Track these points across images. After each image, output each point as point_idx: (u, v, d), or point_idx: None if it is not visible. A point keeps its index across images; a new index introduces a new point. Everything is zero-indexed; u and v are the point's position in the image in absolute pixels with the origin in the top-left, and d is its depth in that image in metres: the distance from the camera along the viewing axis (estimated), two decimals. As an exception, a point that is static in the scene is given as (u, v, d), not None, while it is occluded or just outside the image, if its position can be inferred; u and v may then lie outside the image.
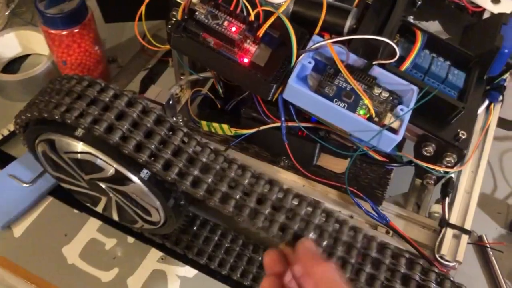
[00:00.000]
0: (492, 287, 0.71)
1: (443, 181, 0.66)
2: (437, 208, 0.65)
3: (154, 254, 0.75)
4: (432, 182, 0.65)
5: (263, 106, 0.63)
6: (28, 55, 0.97)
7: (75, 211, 0.79)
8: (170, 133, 0.56)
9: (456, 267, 0.60)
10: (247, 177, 0.56)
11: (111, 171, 0.57)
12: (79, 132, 0.55)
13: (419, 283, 0.54)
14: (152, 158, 0.54)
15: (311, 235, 0.54)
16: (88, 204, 0.72)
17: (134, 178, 0.57)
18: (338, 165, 0.68)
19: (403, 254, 0.56)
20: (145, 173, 0.56)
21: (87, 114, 0.53)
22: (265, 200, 0.56)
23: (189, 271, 0.74)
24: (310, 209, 0.57)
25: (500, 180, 0.83)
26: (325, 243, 0.54)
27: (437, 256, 0.60)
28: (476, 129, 0.68)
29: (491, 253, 0.74)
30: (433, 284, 0.54)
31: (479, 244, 0.72)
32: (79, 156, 0.57)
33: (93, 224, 0.78)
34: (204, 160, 0.55)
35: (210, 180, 0.55)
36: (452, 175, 0.65)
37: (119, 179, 0.58)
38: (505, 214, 0.79)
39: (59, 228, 0.77)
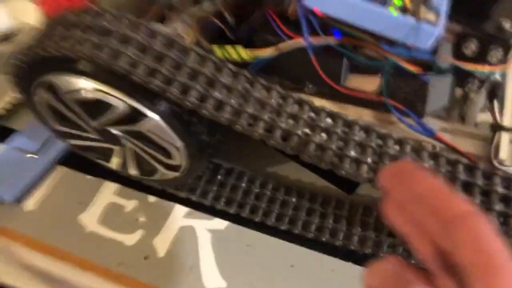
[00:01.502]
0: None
1: (488, 85, 0.59)
2: (484, 116, 0.59)
3: (180, 210, 0.69)
4: (475, 87, 0.58)
5: (280, 24, 0.57)
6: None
7: (88, 177, 0.73)
8: (183, 55, 0.49)
9: (517, 171, 0.53)
10: (273, 96, 0.50)
11: (121, 107, 0.51)
12: (79, 64, 0.49)
13: (482, 189, 0.48)
14: (168, 84, 0.48)
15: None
16: (100, 161, 0.66)
17: (149, 112, 0.50)
18: (370, 83, 0.61)
19: (461, 161, 0.50)
20: (161, 103, 0.50)
21: (85, 41, 0.47)
22: (296, 120, 0.50)
23: (220, 223, 0.68)
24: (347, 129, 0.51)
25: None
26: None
27: (495, 163, 0.54)
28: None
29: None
30: (499, 187, 0.48)
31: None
32: (82, 94, 0.51)
33: (109, 188, 0.72)
34: (223, 81, 0.49)
35: (233, 101, 0.49)
36: (497, 75, 0.58)
37: (131, 116, 0.52)
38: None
39: (73, 196, 0.71)
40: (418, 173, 0.27)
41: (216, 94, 0.48)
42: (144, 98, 0.50)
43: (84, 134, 0.59)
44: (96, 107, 0.52)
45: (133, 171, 0.63)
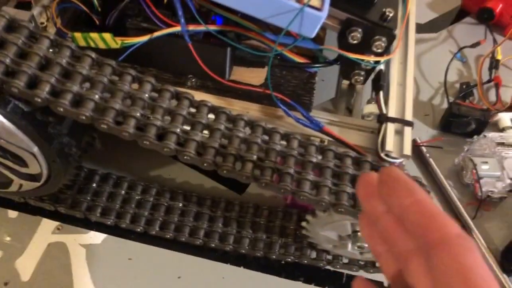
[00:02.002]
0: (434, 187, 0.66)
1: (372, 76, 0.58)
2: (370, 108, 0.58)
3: (47, 225, 0.60)
4: (362, 78, 0.57)
5: (154, 10, 0.51)
6: None
7: None
8: (32, 41, 0.41)
9: (404, 163, 0.53)
10: (146, 90, 0.44)
11: (-46, 106, 0.41)
12: None
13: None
14: (10, 77, 0.39)
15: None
16: None
17: (-9, 112, 0.41)
18: (255, 76, 0.57)
19: (348, 154, 0.48)
20: (4, 100, 0.41)
21: None
22: (174, 117, 0.44)
23: (96, 237, 0.60)
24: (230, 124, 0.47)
25: (422, 82, 0.79)
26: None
27: (382, 155, 0.52)
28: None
29: (427, 154, 0.69)
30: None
31: (417, 145, 0.67)
32: None
33: (-43, 204, 0.60)
34: (84, 72, 0.42)
35: (97, 96, 0.41)
36: (382, 67, 0.58)
37: (-31, 117, 0.42)
38: (432, 116, 0.75)
39: None
40: (405, 184, 0.24)
41: (74, 87, 0.40)
42: (-17, 95, 0.41)
43: None
44: None
45: (-18, 183, 0.53)
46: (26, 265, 0.57)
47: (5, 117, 0.42)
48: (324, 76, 0.60)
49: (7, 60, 0.39)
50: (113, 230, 0.60)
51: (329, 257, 0.58)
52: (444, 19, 0.87)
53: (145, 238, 0.60)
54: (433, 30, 0.85)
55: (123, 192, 0.61)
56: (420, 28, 0.84)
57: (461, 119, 0.70)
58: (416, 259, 0.23)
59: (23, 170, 0.48)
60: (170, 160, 0.65)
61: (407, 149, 0.52)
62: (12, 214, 0.60)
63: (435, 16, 0.87)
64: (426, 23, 0.86)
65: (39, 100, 0.40)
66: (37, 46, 0.41)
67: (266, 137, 0.47)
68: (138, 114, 0.43)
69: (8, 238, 0.58)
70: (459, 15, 0.87)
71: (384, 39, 0.52)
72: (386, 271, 0.26)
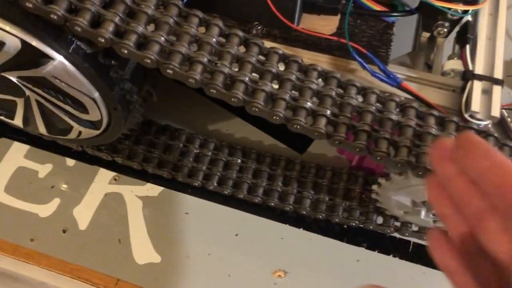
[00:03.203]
0: None
1: (457, 28, 0.52)
2: (452, 64, 0.52)
3: (104, 175, 0.59)
4: (445, 30, 0.51)
5: None
6: None
7: (-9, 137, 0.61)
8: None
9: (490, 125, 0.47)
10: (214, 34, 0.40)
11: (16, 46, 0.39)
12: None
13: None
14: (73, 14, 0.37)
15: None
16: (2, 118, 0.53)
17: (53, 52, 0.39)
18: (327, 25, 0.53)
19: (432, 113, 0.43)
20: (66, 40, 0.39)
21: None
22: (243, 64, 0.41)
23: (153, 189, 0.58)
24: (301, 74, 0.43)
25: (506, 39, 0.71)
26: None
27: (466, 116, 0.47)
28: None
29: (509, 119, 0.62)
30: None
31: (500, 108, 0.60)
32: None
33: (17, 150, 0.60)
34: (150, 12, 0.38)
35: (162, 39, 0.38)
36: (469, 17, 0.51)
37: (30, 58, 0.40)
38: (514, 77, 0.68)
39: (-28, 161, 0.59)
40: (483, 147, 0.25)
41: (139, 28, 0.37)
42: (44, 33, 0.38)
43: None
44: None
45: (43, 130, 0.52)
46: (83, 213, 0.56)
47: (66, 58, 0.40)
48: (404, 26, 0.54)
49: (69, -4, 0.36)
50: (170, 184, 0.58)
51: (397, 224, 0.54)
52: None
53: (202, 193, 0.58)
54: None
55: (180, 145, 0.58)
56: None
57: (549, 81, 0.63)
58: (493, 219, 0.24)
59: (83, 116, 0.47)
60: (228, 115, 0.62)
61: (496, 110, 0.47)
62: (70, 162, 0.59)
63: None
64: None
65: (103, 40, 0.37)
66: (101, -17, 0.38)
67: (340, 91, 0.43)
68: (205, 60, 0.39)
69: (65, 186, 0.58)
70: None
71: (476, -15, 0.46)
72: (454, 233, 0.27)
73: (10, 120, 0.53)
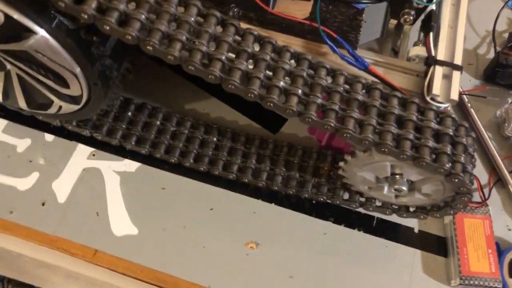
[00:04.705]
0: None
1: (423, 16, 0.55)
2: (417, 50, 0.56)
3: (83, 150, 0.60)
4: (411, 18, 0.55)
5: None
6: None
7: (-31, 111, 0.61)
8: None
9: (449, 108, 0.51)
10: (192, 14, 0.43)
11: (-1, 19, 0.40)
12: None
13: (416, 123, 0.45)
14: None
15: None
16: (-19, 92, 0.54)
17: (36, 27, 0.41)
18: (301, 9, 0.55)
19: (395, 94, 0.46)
20: (49, 15, 0.40)
21: None
22: (220, 43, 0.43)
23: (130, 165, 0.60)
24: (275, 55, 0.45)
25: (468, 30, 0.75)
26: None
27: (428, 98, 0.51)
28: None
29: (469, 104, 0.67)
30: (432, 123, 0.45)
31: (460, 94, 0.64)
32: None
33: (-4, 124, 0.61)
34: (131, -9, 0.40)
35: (143, 17, 0.40)
36: (433, 7, 0.55)
37: (13, 32, 0.41)
38: (475, 65, 0.72)
39: (-50, 134, 0.60)
40: None
41: (121, 5, 0.39)
42: (27, 8, 0.40)
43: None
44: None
45: (23, 104, 0.53)
46: (62, 187, 0.58)
47: (49, 33, 0.41)
48: (371, 14, 0.57)
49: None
50: (147, 160, 0.60)
51: (362, 199, 0.57)
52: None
53: (178, 169, 0.60)
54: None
55: (158, 122, 0.60)
56: (472, -28, 0.79)
57: (507, 69, 0.67)
58: None
59: (64, 91, 0.48)
60: (205, 94, 0.65)
61: (455, 94, 0.51)
62: (49, 137, 0.61)
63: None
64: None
65: (86, 16, 0.39)
66: (84, -41, 0.39)
67: (311, 72, 0.46)
68: (184, 38, 0.41)
69: (44, 160, 0.59)
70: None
71: (440, -24, 0.49)
72: None
73: (-11, 95, 0.54)
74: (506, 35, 0.74)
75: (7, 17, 0.40)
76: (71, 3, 0.38)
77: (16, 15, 0.40)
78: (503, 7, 0.75)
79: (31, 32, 0.41)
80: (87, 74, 0.46)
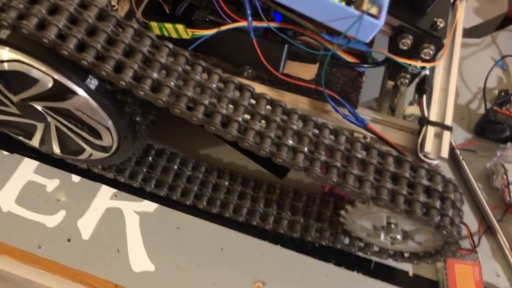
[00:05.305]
0: (464, 189, 0.70)
1: (417, 80, 0.62)
2: (412, 109, 0.62)
3: (106, 191, 0.66)
4: (407, 81, 0.61)
5: (222, 5, 0.55)
6: None
7: (4, 153, 0.67)
8: (119, 29, 0.46)
9: (439, 165, 0.57)
10: (214, 80, 0.49)
11: (48, 83, 0.47)
12: (3, 33, 0.44)
13: (409, 180, 0.51)
14: (100, 61, 0.45)
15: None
16: (20, 138, 0.61)
17: (79, 89, 0.47)
18: (307, 72, 0.62)
19: (391, 153, 0.52)
20: (91, 80, 0.47)
21: (10, 8, 0.43)
22: (237, 106, 0.49)
23: (149, 206, 0.66)
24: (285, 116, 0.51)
25: (461, 86, 0.82)
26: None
27: (420, 155, 0.56)
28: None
29: (461, 157, 0.72)
30: (424, 180, 0.51)
31: (452, 148, 0.70)
32: (5, 66, 0.46)
33: (28, 165, 0.67)
34: (162, 61, 0.47)
35: (172, 83, 0.46)
36: (427, 71, 0.61)
37: (59, 93, 0.48)
38: (468, 120, 0.78)
39: (-14, 174, 0.66)
40: None
41: (154, 74, 0.45)
42: (74, 74, 0.46)
43: (4, 108, 0.54)
44: (20, 80, 0.47)
45: (57, 150, 0.59)
46: (86, 225, 0.63)
47: (90, 95, 0.47)
48: (370, 75, 0.64)
49: (98, 46, 0.44)
50: (165, 201, 0.66)
51: (361, 244, 0.62)
52: (489, 25, 0.88)
53: (193, 210, 0.65)
54: (477, 36, 0.87)
55: (175, 167, 0.66)
56: (464, 33, 0.86)
57: (496, 125, 0.73)
58: None
59: (97, 142, 0.54)
60: (219, 141, 0.70)
61: (445, 152, 0.56)
62: (75, 178, 0.66)
63: (480, 21, 0.89)
64: (471, 28, 0.88)
65: (123, 83, 0.45)
66: (123, 34, 0.46)
67: (316, 131, 0.52)
68: (206, 102, 0.48)
69: (70, 200, 0.65)
70: (504, 22, 0.88)
71: (432, 47, 0.55)
72: None
73: (27, 140, 0.60)
74: (496, 91, 0.80)
75: (55, 81, 0.46)
76: (111, 72, 0.45)
77: (63, 80, 0.46)
78: (493, 66, 0.82)
79: (74, 93, 0.47)
80: (119, 128, 0.52)
